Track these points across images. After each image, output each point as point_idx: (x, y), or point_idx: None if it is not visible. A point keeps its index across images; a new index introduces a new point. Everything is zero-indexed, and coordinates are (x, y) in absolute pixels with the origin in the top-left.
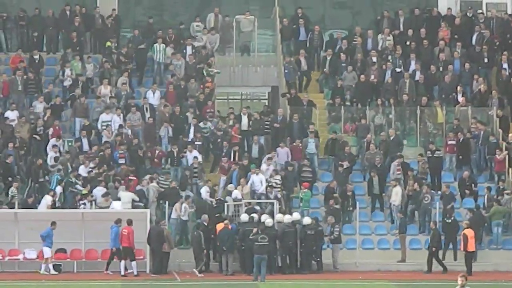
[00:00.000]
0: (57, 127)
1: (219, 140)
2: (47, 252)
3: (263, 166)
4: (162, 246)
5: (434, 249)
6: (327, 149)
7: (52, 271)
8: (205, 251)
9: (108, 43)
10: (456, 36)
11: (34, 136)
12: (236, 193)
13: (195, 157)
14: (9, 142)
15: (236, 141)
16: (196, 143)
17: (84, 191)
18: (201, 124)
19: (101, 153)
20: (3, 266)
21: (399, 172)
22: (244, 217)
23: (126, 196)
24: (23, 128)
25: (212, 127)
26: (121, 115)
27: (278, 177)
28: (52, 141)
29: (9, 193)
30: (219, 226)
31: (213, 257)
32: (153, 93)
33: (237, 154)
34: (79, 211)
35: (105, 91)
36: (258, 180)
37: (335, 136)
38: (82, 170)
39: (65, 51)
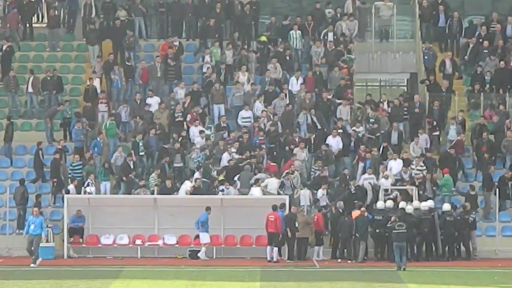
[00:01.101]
0: (194, 113)
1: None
2: (204, 237)
3: (412, 144)
4: (294, 232)
5: None
6: (474, 134)
7: (204, 257)
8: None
9: (263, 38)
10: None
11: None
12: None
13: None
14: (151, 128)
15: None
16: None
17: (220, 177)
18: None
19: (240, 139)
20: (142, 251)
21: None
22: (380, 204)
23: (272, 182)
24: (163, 114)
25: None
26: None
27: (422, 163)
28: (199, 127)
29: (150, 179)
30: (355, 214)
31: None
32: (297, 80)
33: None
34: (218, 197)
35: (243, 78)
36: (396, 166)
37: (482, 121)
38: (225, 158)
39: (207, 38)
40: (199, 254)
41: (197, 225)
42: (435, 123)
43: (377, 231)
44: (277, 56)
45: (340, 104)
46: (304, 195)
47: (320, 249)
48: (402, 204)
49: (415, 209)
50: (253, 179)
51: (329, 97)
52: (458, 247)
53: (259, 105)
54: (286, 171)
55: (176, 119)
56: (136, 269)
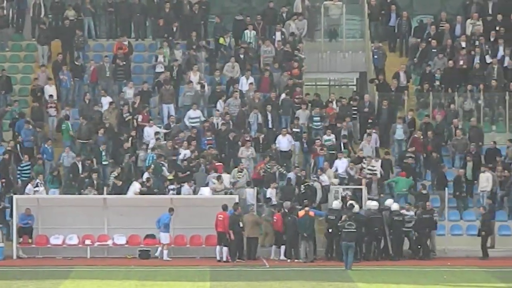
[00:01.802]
0: (145, 114)
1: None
2: (165, 238)
3: (363, 143)
4: (232, 234)
5: (483, 233)
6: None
7: (166, 257)
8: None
9: (222, 40)
10: None
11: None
12: (324, 178)
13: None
14: (99, 128)
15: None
16: (294, 129)
17: (170, 177)
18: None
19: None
20: (92, 251)
21: None
22: (336, 204)
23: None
24: (112, 114)
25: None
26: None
27: (375, 163)
28: (154, 128)
29: (110, 177)
30: (301, 213)
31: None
32: (246, 80)
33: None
34: (168, 197)
35: (194, 78)
36: (342, 166)
37: (428, 120)
38: (181, 157)
39: (157, 38)
40: (157, 254)
41: (158, 225)
42: None
43: (330, 230)
44: (234, 56)
45: (299, 108)
46: (250, 193)
47: (281, 249)
48: (352, 203)
49: (368, 209)
50: (213, 177)
51: (286, 97)
52: (419, 246)
53: (221, 104)
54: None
55: (126, 119)
56: (85, 269)
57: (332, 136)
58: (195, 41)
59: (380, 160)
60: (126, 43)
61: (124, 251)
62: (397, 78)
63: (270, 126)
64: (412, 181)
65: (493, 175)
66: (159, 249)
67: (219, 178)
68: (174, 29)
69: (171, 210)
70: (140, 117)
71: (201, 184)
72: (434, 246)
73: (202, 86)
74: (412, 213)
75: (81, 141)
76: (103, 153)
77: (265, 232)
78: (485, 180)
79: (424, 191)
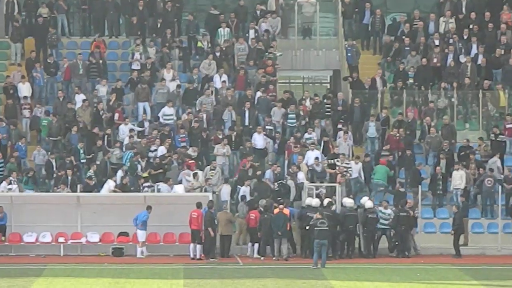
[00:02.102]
0: (120, 111)
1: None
2: (142, 235)
3: (339, 140)
4: (211, 231)
5: (452, 232)
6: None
7: (146, 253)
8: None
9: (200, 44)
10: None
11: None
12: (300, 176)
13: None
14: (72, 126)
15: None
16: (267, 127)
17: (145, 175)
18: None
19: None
20: (65, 249)
21: None
22: (315, 201)
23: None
24: (86, 112)
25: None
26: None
27: (348, 161)
28: (129, 125)
29: (88, 173)
30: (276, 211)
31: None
32: (220, 77)
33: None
34: (141, 195)
35: (168, 75)
36: (313, 157)
37: (401, 117)
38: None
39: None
40: (138, 255)
41: (135, 222)
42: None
43: (307, 228)
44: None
45: (274, 105)
46: (225, 191)
47: (255, 247)
48: (327, 201)
49: (343, 206)
50: (186, 174)
51: (263, 95)
52: (397, 243)
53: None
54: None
55: (103, 117)
56: (59, 267)
57: (313, 134)
58: (169, 39)
59: (360, 163)
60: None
61: (97, 249)
62: (373, 83)
63: (247, 123)
64: (390, 171)
65: (466, 173)
66: (139, 248)
67: (195, 175)
68: (148, 26)
69: (149, 208)
70: (116, 115)
71: (174, 181)
72: (415, 243)
73: (178, 86)
74: (389, 211)
75: (52, 138)
76: (81, 151)
77: (240, 229)
78: (459, 178)
79: (401, 189)
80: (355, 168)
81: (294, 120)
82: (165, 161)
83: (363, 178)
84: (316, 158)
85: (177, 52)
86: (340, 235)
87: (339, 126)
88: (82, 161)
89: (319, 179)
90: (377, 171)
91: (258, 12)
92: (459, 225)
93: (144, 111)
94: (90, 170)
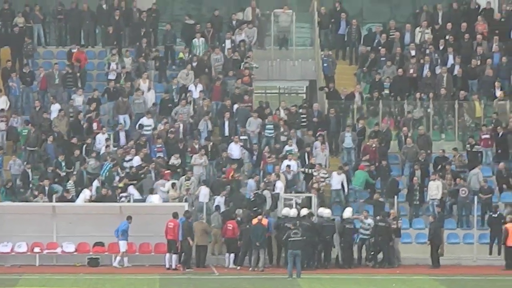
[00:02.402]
0: (97, 121)
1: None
2: (123, 245)
3: (317, 151)
4: (191, 240)
5: (428, 242)
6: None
7: (127, 264)
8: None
9: (181, 55)
10: (496, 31)
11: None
12: (279, 186)
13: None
14: (48, 136)
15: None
16: (241, 137)
17: (120, 185)
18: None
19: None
20: (41, 259)
21: None
22: (286, 211)
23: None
24: (62, 121)
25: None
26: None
27: (325, 171)
28: (105, 135)
29: (67, 186)
30: (254, 221)
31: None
32: (195, 87)
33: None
34: (117, 205)
35: (144, 86)
36: (292, 165)
37: (378, 128)
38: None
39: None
40: (115, 264)
41: (116, 233)
42: None
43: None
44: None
45: (251, 116)
46: (203, 193)
47: (231, 257)
48: (305, 211)
49: (320, 216)
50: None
51: (242, 105)
52: (372, 253)
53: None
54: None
55: (84, 126)
56: (34, 277)
57: (294, 146)
58: (145, 49)
59: (343, 174)
60: (75, 50)
61: (73, 259)
62: (351, 97)
63: (226, 134)
64: (368, 176)
65: (443, 183)
66: (118, 257)
67: (173, 185)
68: (124, 36)
69: (129, 218)
70: (95, 125)
71: (149, 191)
72: (397, 253)
73: (154, 104)
74: (370, 220)
75: (30, 148)
76: (63, 164)
77: (215, 239)
78: (435, 188)
79: (381, 199)
80: (337, 179)
81: (272, 131)
82: (142, 170)
83: (346, 189)
84: (288, 166)
85: (154, 62)
86: (318, 245)
87: (317, 136)
88: (63, 173)
89: (289, 188)
90: (356, 176)
91: (234, 22)
92: (434, 236)
93: (124, 123)
94: (70, 181)
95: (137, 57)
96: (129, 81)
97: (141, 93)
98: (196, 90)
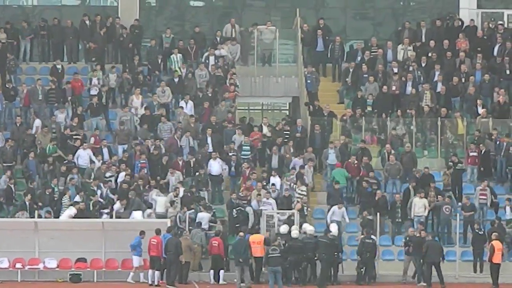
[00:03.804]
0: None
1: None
2: (136, 261)
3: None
4: (179, 257)
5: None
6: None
7: (143, 280)
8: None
9: (177, 71)
10: (479, 49)
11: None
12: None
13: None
14: (30, 151)
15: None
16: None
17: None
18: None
19: (122, 164)
20: (22, 275)
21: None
22: (283, 228)
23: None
24: (45, 138)
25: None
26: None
27: (303, 187)
28: (88, 151)
29: (63, 200)
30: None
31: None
32: (186, 104)
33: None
34: (99, 221)
35: (137, 102)
36: (276, 182)
37: (364, 145)
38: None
39: (89, 61)
40: (129, 279)
41: (130, 248)
42: None
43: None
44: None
45: (235, 133)
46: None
47: (211, 273)
48: (285, 228)
49: (303, 233)
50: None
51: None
52: (361, 270)
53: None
54: None
55: (69, 144)
56: None
57: (292, 171)
58: (136, 65)
59: (343, 207)
60: (59, 66)
61: (55, 274)
62: (343, 121)
63: (210, 150)
64: (347, 173)
65: (429, 200)
66: (131, 273)
67: (172, 203)
68: (107, 52)
69: (142, 233)
70: (78, 141)
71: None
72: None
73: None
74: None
75: (6, 164)
76: (56, 189)
77: (195, 256)
78: (422, 206)
79: (369, 217)
80: (339, 212)
81: (248, 152)
82: (132, 186)
83: (347, 219)
84: (273, 184)
85: (138, 77)
86: (302, 262)
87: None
88: (55, 194)
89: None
90: (336, 174)
91: (218, 38)
92: (432, 253)
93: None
94: (66, 196)
95: (122, 72)
96: (113, 97)
97: (129, 109)
98: (187, 107)
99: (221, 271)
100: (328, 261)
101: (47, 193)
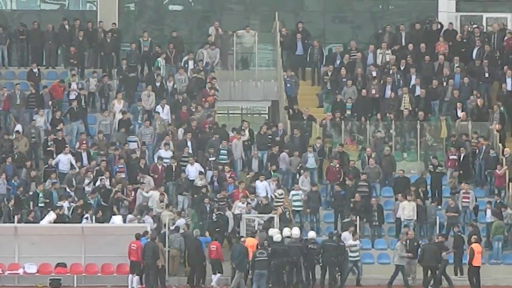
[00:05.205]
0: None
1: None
2: None
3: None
4: (157, 261)
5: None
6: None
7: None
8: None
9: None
10: (458, 51)
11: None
12: (241, 206)
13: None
14: (8, 156)
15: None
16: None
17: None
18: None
19: (98, 167)
20: (2, 280)
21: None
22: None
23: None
24: (21, 142)
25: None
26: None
27: (280, 191)
28: (68, 156)
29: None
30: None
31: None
32: (162, 108)
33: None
34: (79, 226)
35: (119, 106)
36: (262, 187)
37: (342, 149)
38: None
39: (68, 66)
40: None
41: None
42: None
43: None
44: (150, 84)
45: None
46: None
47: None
48: (270, 232)
49: (287, 236)
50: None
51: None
52: (339, 274)
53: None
54: None
55: (48, 148)
56: None
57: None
58: (110, 69)
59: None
60: (36, 70)
61: (35, 279)
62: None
63: (189, 153)
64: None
65: (417, 204)
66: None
67: (168, 206)
68: (87, 57)
69: (145, 233)
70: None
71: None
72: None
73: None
74: (358, 241)
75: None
76: (40, 195)
77: (173, 260)
78: (411, 209)
79: (345, 220)
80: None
81: (226, 157)
82: (113, 194)
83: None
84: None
85: (116, 82)
86: (286, 266)
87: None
88: (40, 205)
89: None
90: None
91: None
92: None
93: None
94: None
95: (101, 77)
96: (93, 102)
97: (110, 113)
98: (163, 112)
99: (217, 275)
100: (336, 265)
101: (25, 197)
